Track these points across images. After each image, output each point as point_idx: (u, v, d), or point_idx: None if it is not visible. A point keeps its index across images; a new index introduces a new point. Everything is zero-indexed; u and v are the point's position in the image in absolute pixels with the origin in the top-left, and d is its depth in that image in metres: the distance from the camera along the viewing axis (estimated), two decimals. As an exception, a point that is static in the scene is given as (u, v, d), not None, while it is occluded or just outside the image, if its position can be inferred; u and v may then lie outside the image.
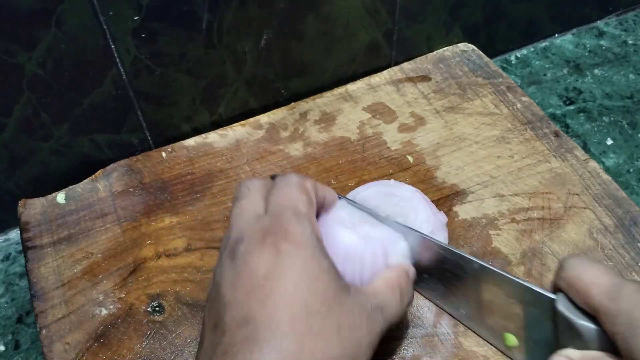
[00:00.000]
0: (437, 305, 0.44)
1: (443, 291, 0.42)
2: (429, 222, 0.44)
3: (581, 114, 0.64)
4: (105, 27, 0.47)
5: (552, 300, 0.35)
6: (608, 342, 0.32)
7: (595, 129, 0.62)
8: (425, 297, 0.44)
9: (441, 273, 0.41)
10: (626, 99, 0.65)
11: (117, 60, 0.50)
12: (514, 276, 0.38)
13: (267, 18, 0.53)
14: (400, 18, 0.60)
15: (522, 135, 0.55)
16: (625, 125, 0.62)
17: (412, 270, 0.40)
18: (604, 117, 0.63)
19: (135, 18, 0.48)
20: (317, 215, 0.39)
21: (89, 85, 0.50)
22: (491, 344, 0.41)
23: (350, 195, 0.48)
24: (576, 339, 0.34)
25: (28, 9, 0.44)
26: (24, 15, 0.44)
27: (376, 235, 0.40)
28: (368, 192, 0.47)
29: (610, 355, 0.32)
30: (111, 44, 0.48)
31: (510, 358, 0.40)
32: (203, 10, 0.50)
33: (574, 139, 0.59)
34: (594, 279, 0.34)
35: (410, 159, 0.54)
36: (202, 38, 0.52)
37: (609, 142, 0.60)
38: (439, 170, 0.53)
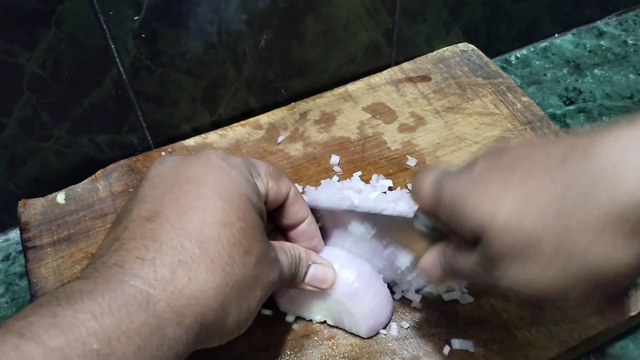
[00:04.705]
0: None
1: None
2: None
3: (581, 114, 0.64)
4: (105, 27, 0.47)
5: (411, 220, 0.36)
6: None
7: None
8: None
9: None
10: (626, 99, 0.65)
11: (117, 60, 0.50)
12: (382, 212, 0.39)
13: (267, 18, 0.53)
14: (400, 18, 0.60)
15: (522, 135, 0.55)
16: (625, 125, 0.62)
17: (327, 274, 0.40)
18: (604, 117, 0.63)
19: (135, 18, 0.48)
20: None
21: (89, 85, 0.50)
22: None
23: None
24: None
25: (28, 9, 0.44)
26: (24, 15, 0.44)
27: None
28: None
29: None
30: (111, 44, 0.48)
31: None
32: (203, 10, 0.50)
33: (574, 139, 0.59)
34: (424, 183, 0.34)
35: (410, 159, 0.54)
36: (202, 38, 0.52)
37: (609, 142, 0.60)
38: (439, 170, 0.53)
